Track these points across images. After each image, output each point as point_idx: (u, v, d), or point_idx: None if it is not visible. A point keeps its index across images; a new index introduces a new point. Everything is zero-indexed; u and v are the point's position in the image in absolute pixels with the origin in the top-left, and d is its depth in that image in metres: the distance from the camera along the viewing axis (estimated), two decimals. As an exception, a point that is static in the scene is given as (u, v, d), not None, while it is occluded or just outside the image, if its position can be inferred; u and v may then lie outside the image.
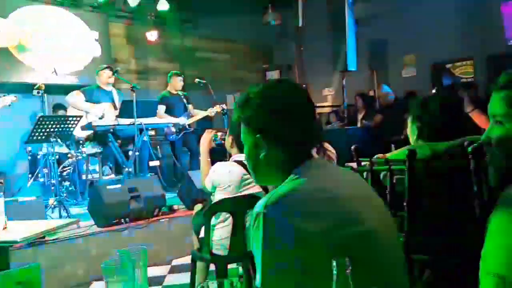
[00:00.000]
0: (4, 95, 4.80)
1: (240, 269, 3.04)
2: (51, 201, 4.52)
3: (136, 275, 1.14)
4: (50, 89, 5.84)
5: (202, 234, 2.86)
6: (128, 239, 4.20)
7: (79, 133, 5.37)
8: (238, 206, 2.72)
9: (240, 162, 2.76)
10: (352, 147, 2.46)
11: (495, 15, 7.36)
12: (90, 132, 5.42)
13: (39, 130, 4.63)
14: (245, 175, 2.74)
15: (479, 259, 0.99)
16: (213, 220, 2.79)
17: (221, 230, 2.80)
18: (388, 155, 2.36)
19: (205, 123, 6.48)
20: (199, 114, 6.42)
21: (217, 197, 2.82)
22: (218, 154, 3.67)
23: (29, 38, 6.87)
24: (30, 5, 6.98)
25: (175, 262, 4.37)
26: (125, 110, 5.65)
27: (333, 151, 3.24)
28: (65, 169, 5.52)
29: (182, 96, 6.42)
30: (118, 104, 5.73)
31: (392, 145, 3.22)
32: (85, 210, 4.62)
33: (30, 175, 5.57)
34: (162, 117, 6.12)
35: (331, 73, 7.80)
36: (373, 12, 8.16)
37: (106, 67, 5.79)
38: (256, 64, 10.04)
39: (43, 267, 1.30)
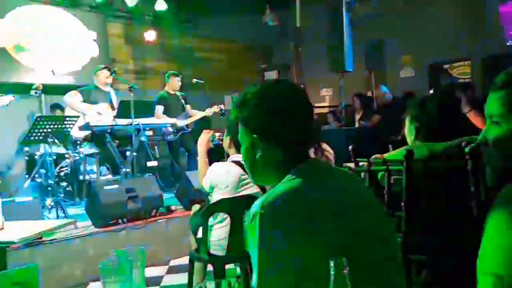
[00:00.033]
0: (1, 95, 4.79)
1: (238, 269, 3.04)
2: (49, 201, 4.51)
3: (134, 275, 1.14)
4: (48, 89, 5.82)
5: (199, 235, 2.86)
6: (126, 240, 4.20)
7: (76, 133, 5.35)
8: (236, 207, 2.72)
9: (238, 163, 2.75)
10: (350, 148, 2.47)
11: (492, 16, 7.38)
12: (87, 132, 5.41)
13: (36, 131, 4.62)
14: (243, 176, 2.74)
15: (476, 259, 0.99)
16: (210, 221, 2.79)
17: (219, 231, 2.80)
18: (385, 155, 2.37)
19: (203, 123, 6.48)
20: (197, 115, 6.41)
21: (214, 197, 2.81)
22: (216, 154, 3.67)
23: (28, 38, 6.86)
24: (28, 4, 6.96)
25: (173, 262, 4.36)
26: (123, 110, 5.64)
27: (331, 151, 3.25)
28: (62, 169, 5.50)
29: (180, 96, 6.41)
30: (115, 104, 5.72)
31: (390, 146, 3.21)
32: (83, 210, 4.61)
33: (27, 176, 5.54)
34: (160, 118, 6.11)
35: (329, 74, 7.80)
36: (371, 13, 8.17)
37: (104, 67, 5.78)
38: (254, 64, 10.04)
39: (41, 267, 1.30)
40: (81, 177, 5.58)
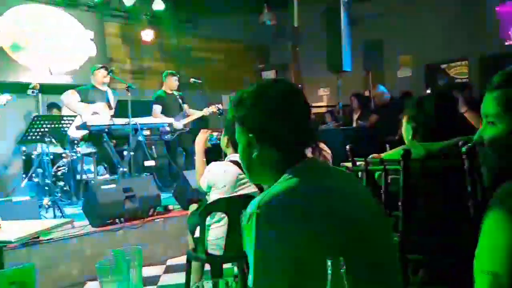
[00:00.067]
0: (-1, 95, 4.78)
1: (235, 269, 3.03)
2: (46, 201, 4.50)
3: (131, 275, 1.14)
4: (45, 88, 5.81)
5: (197, 234, 2.86)
6: (123, 239, 4.19)
7: (73, 133, 5.35)
8: (233, 206, 2.71)
9: (235, 162, 2.75)
10: (347, 147, 2.47)
11: (490, 16, 7.40)
12: (85, 132, 5.40)
13: (33, 130, 4.61)
14: (240, 175, 2.74)
15: (473, 259, 0.99)
16: (208, 220, 2.79)
17: (216, 230, 2.80)
18: (383, 155, 2.38)
19: (201, 123, 6.47)
20: (195, 114, 6.40)
21: (212, 197, 2.81)
22: (214, 154, 3.67)
23: (28, 38, 6.84)
24: (25, 4, 6.94)
25: (170, 262, 4.36)
26: (120, 109, 5.63)
27: (328, 151, 3.25)
28: (59, 169, 5.50)
29: (178, 96, 6.41)
30: (113, 104, 5.71)
31: (387, 145, 3.22)
32: (80, 210, 4.61)
33: (24, 175, 5.53)
34: (157, 117, 6.11)
35: (326, 73, 7.80)
36: (368, 13, 8.18)
37: (101, 67, 5.77)
38: (252, 64, 10.03)
39: (37, 267, 1.30)
40: (78, 177, 5.57)
